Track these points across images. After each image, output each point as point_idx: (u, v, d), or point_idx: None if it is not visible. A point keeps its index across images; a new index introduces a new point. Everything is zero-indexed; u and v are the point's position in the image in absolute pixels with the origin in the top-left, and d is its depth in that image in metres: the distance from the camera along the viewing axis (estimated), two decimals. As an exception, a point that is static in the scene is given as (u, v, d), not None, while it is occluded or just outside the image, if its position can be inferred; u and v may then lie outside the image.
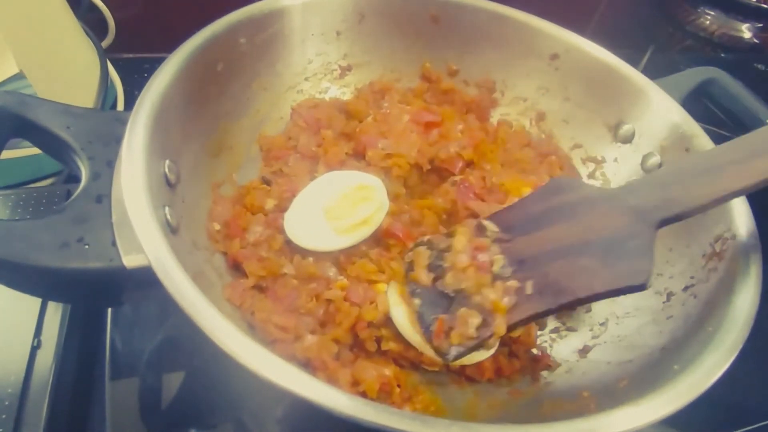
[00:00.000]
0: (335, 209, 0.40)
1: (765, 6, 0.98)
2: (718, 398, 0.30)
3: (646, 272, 0.32)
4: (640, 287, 0.32)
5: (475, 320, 0.34)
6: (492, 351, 0.38)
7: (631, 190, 0.35)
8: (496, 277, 0.35)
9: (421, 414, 0.33)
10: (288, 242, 0.41)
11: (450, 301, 0.35)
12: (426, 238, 0.39)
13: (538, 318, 0.34)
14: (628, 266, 0.32)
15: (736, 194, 0.34)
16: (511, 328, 0.34)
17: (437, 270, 0.37)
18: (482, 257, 0.35)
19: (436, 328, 0.35)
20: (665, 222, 0.34)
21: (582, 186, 0.37)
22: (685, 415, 0.29)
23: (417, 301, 0.36)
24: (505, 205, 0.46)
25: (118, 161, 0.33)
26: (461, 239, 0.36)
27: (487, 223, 0.38)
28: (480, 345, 0.34)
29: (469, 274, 0.35)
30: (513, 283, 0.34)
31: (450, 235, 0.38)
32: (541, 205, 0.37)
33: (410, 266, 0.39)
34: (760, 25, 0.99)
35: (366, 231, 0.41)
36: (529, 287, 0.34)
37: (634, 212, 0.34)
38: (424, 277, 0.37)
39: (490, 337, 0.34)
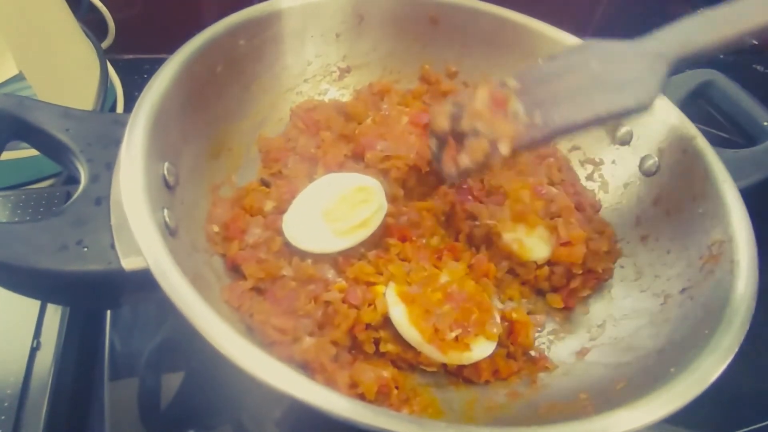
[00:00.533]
0: (334, 211, 0.40)
1: (764, 7, 0.97)
2: (716, 398, 0.30)
3: (649, 94, 0.34)
4: (641, 107, 0.34)
5: (484, 144, 0.36)
6: (490, 351, 0.38)
7: (654, 37, 0.38)
8: (512, 117, 0.36)
9: (418, 417, 0.34)
10: (287, 244, 0.41)
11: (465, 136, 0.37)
12: (451, 97, 0.40)
13: (543, 143, 0.37)
14: (633, 91, 0.35)
15: (750, 34, 0.36)
16: (515, 151, 0.36)
17: (456, 119, 0.38)
18: (499, 102, 0.37)
19: (447, 151, 0.37)
20: (681, 61, 0.37)
21: (599, 43, 0.39)
22: (686, 413, 0.29)
23: (433, 141, 0.38)
24: (503, 207, 0.46)
25: (117, 164, 0.33)
26: (483, 92, 0.37)
27: (508, 79, 0.38)
28: (487, 165, 0.36)
29: (484, 113, 0.36)
30: (525, 119, 0.36)
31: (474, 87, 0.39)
32: (561, 64, 0.38)
33: (432, 116, 0.39)
34: (759, 26, 0.99)
35: (365, 233, 0.41)
36: (537, 116, 0.36)
37: (652, 54, 0.36)
38: (442, 121, 0.38)
39: (496, 157, 0.36)
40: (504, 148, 0.36)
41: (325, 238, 0.40)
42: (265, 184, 0.46)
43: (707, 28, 0.38)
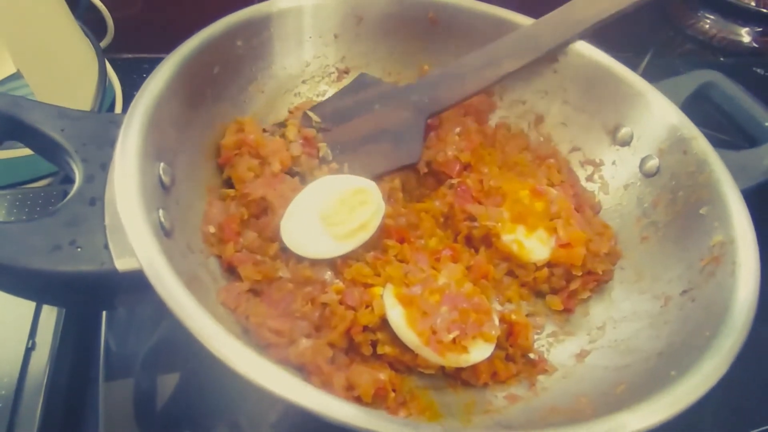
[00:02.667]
0: (333, 215, 0.40)
1: (764, 10, 0.97)
2: (717, 402, 0.30)
3: (417, 152, 0.47)
4: (413, 163, 0.47)
5: None
6: (489, 353, 0.38)
7: (413, 89, 0.48)
8: (322, 161, 0.46)
9: (414, 420, 0.33)
10: (283, 248, 0.40)
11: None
12: (263, 127, 0.47)
13: None
14: (407, 149, 0.46)
15: (479, 90, 0.49)
16: None
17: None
18: (309, 141, 0.46)
19: None
20: (434, 114, 0.48)
21: (379, 83, 0.50)
22: (687, 414, 0.29)
23: None
24: (502, 208, 0.46)
25: (111, 164, 0.33)
26: (293, 129, 0.46)
27: (311, 113, 0.48)
28: None
29: (302, 160, 0.45)
30: (334, 166, 0.45)
31: (282, 125, 0.47)
32: (351, 98, 0.48)
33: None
34: (760, 29, 0.99)
35: (364, 236, 0.41)
36: (346, 168, 0.45)
37: (413, 106, 0.47)
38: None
39: None
40: None
41: (325, 243, 0.39)
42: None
43: (454, 84, 0.48)
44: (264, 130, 0.46)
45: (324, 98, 0.53)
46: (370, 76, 0.51)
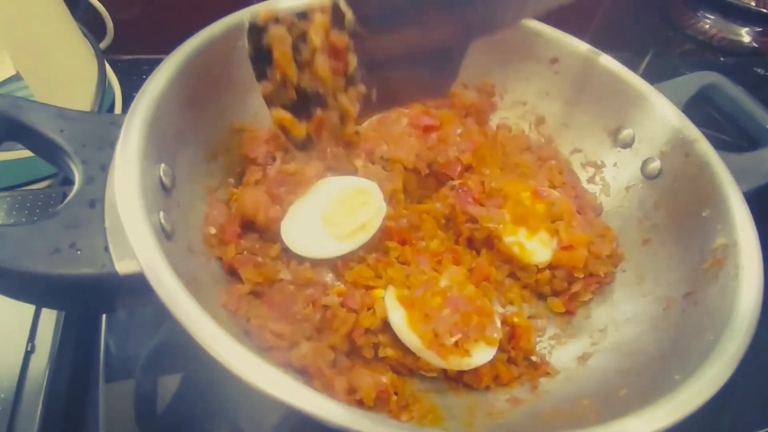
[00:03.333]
0: (333, 215, 0.40)
1: (764, 10, 0.97)
2: (719, 404, 0.30)
3: (449, 83, 0.42)
4: (443, 95, 0.44)
5: (333, 118, 0.39)
6: (491, 356, 0.38)
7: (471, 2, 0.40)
8: (348, 81, 0.37)
9: (416, 424, 0.33)
10: (285, 249, 0.40)
11: (308, 99, 0.37)
12: (277, 15, 0.35)
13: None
14: (442, 78, 0.41)
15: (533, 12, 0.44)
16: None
17: (297, 62, 0.36)
18: (338, 53, 0.36)
19: (315, 125, 0.39)
20: (484, 34, 0.41)
21: None
22: (687, 419, 0.29)
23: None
24: (503, 210, 0.46)
25: (111, 165, 0.33)
26: (318, 30, 0.35)
27: (344, 7, 0.36)
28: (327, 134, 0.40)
29: (326, 77, 0.36)
30: (361, 88, 0.38)
31: (304, 16, 0.35)
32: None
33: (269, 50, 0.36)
34: (760, 29, 0.99)
35: (365, 236, 0.41)
36: (373, 95, 0.39)
37: (462, 24, 0.39)
38: (292, 71, 0.36)
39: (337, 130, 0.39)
40: (349, 128, 0.39)
41: (325, 243, 0.39)
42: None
43: (512, 3, 0.41)
44: (276, 19, 0.34)
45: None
46: None
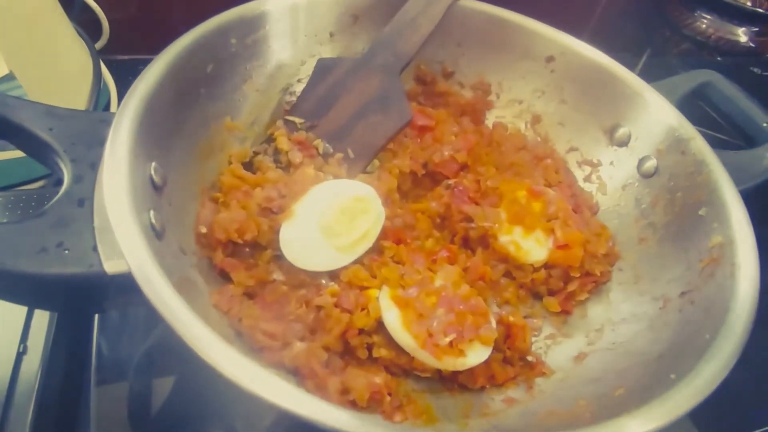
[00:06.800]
0: (334, 226, 0.39)
1: (761, 10, 0.97)
2: (717, 402, 0.30)
3: (407, 110, 0.46)
4: (407, 123, 0.46)
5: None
6: (486, 356, 0.37)
7: (374, 52, 0.47)
8: (324, 156, 0.45)
9: (410, 425, 0.33)
10: (278, 255, 0.40)
11: None
12: (253, 149, 0.47)
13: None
14: (396, 111, 0.46)
15: (434, 28, 0.48)
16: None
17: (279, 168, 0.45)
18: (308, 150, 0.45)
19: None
20: (403, 68, 0.47)
21: (340, 61, 0.48)
22: (684, 419, 0.28)
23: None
24: (499, 209, 0.46)
25: (101, 164, 0.32)
26: (282, 140, 0.45)
27: (291, 118, 0.47)
28: None
29: (306, 164, 0.44)
30: (339, 156, 0.45)
31: (270, 140, 0.46)
32: (322, 87, 0.47)
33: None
34: (756, 29, 0.99)
35: (366, 245, 0.40)
36: (350, 153, 0.45)
37: (382, 69, 0.46)
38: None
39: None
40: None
41: (328, 256, 0.39)
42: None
43: (408, 32, 0.47)
44: (254, 153, 0.46)
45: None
46: (328, 58, 0.49)
